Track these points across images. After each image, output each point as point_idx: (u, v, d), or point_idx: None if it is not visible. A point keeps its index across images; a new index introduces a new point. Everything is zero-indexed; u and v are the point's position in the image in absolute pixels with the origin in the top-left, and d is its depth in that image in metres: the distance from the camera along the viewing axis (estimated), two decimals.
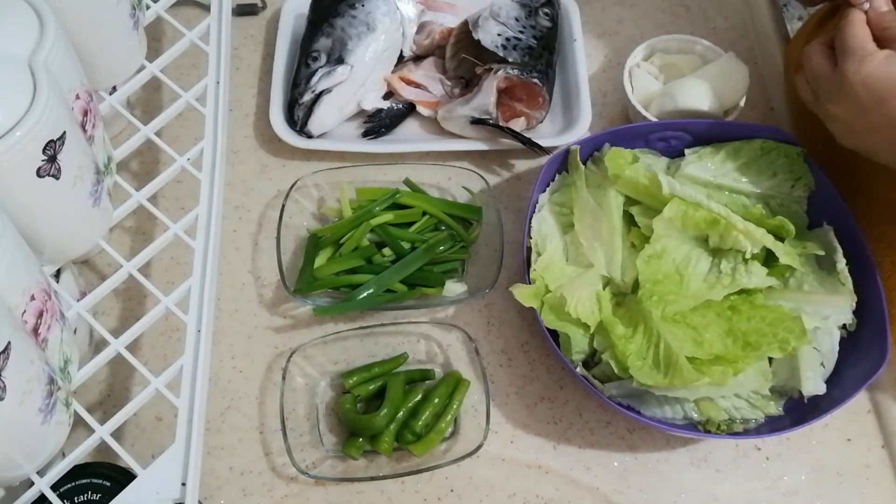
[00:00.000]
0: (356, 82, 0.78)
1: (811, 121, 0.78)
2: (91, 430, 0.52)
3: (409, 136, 0.80)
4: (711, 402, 0.62)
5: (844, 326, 0.65)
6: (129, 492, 0.50)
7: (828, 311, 0.64)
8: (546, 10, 0.81)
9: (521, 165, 0.79)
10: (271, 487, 0.63)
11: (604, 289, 0.66)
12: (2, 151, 0.43)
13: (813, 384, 0.62)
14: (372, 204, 0.71)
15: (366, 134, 0.79)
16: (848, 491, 0.65)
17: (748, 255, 0.64)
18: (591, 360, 0.65)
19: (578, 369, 0.63)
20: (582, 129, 0.78)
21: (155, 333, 0.69)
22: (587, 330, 0.63)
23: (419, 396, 0.65)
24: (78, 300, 0.57)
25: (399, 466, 0.63)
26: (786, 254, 0.64)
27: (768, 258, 0.65)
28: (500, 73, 0.75)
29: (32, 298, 0.46)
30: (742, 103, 0.76)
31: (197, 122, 0.64)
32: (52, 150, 0.46)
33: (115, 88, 0.65)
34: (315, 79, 0.76)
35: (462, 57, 0.79)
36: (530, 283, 0.65)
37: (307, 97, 0.76)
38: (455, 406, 0.64)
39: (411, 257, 0.69)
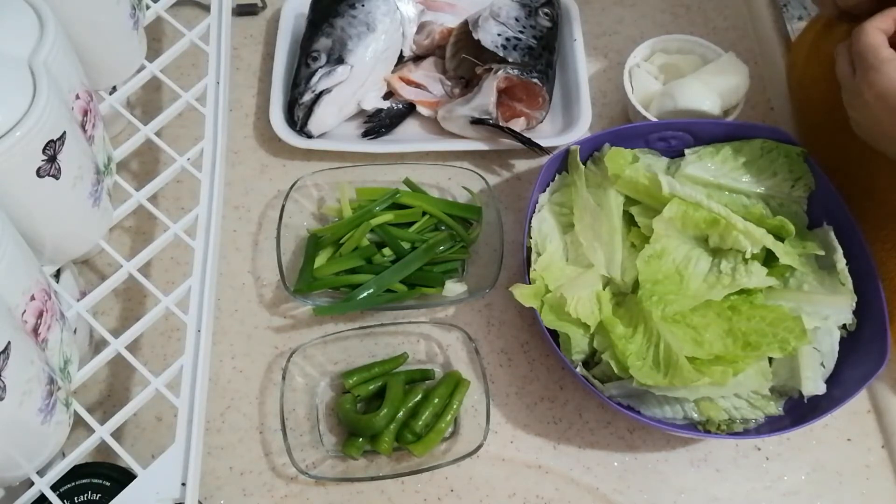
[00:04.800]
0: (356, 82, 0.78)
1: (815, 121, 0.78)
2: (91, 430, 0.52)
3: (409, 136, 0.80)
4: (711, 402, 0.62)
5: (844, 326, 0.65)
6: (129, 492, 0.50)
7: (828, 311, 0.64)
8: (546, 10, 0.81)
9: (521, 165, 0.79)
10: (271, 487, 0.63)
11: (604, 289, 0.66)
12: (2, 151, 0.43)
13: (813, 384, 0.62)
14: (372, 204, 0.71)
15: (366, 134, 0.79)
16: (848, 491, 0.65)
17: (748, 255, 0.64)
18: (591, 360, 0.65)
19: (578, 369, 0.63)
20: (582, 129, 0.78)
21: (155, 333, 0.69)
22: (587, 330, 0.63)
23: (419, 396, 0.65)
24: (78, 300, 0.57)
25: (399, 466, 0.63)
26: (786, 254, 0.64)
27: (768, 258, 0.65)
28: (500, 73, 0.75)
29: (32, 298, 0.46)
30: (742, 103, 0.76)
31: (197, 122, 0.64)
32: (52, 150, 0.47)
33: (115, 88, 0.65)
34: (315, 79, 0.76)
35: (462, 57, 0.79)
36: (530, 283, 0.65)
37: (307, 97, 0.76)
38: (455, 406, 0.64)
39: (411, 257, 0.69)
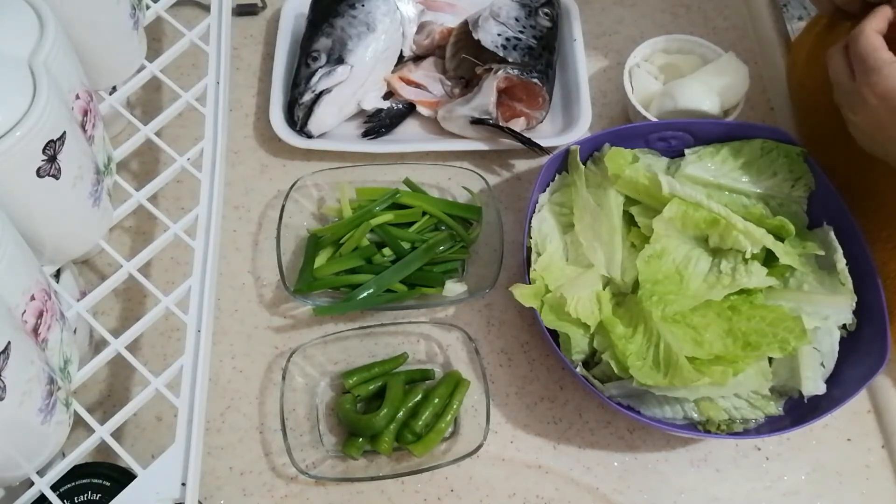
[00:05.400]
0: (356, 82, 0.78)
1: (816, 122, 0.78)
2: (91, 430, 0.52)
3: (409, 136, 0.80)
4: (711, 402, 0.62)
5: (844, 326, 0.65)
6: (129, 492, 0.50)
7: (828, 311, 0.64)
8: (546, 10, 0.81)
9: (521, 165, 0.79)
10: (271, 487, 0.63)
11: (604, 289, 0.66)
12: (2, 151, 0.43)
13: (813, 384, 0.62)
14: (372, 204, 0.71)
15: (366, 134, 0.79)
16: (848, 491, 0.65)
17: (748, 255, 0.64)
18: (591, 360, 0.65)
19: (578, 369, 0.63)
20: (582, 129, 0.78)
21: (155, 333, 0.69)
22: (587, 330, 0.63)
23: (419, 396, 0.65)
24: (78, 300, 0.57)
25: (399, 466, 0.63)
26: (786, 254, 0.64)
27: (768, 258, 0.65)
28: (500, 73, 0.75)
29: (32, 298, 0.46)
30: (742, 103, 0.76)
31: (197, 122, 0.64)
32: (52, 150, 0.47)
33: (115, 88, 0.65)
34: (315, 79, 0.76)
35: (462, 57, 0.79)
36: (530, 283, 0.65)
37: (307, 97, 0.76)
38: (455, 406, 0.64)
39: (411, 257, 0.69)
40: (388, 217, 0.71)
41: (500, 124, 0.76)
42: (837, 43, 0.59)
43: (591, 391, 0.62)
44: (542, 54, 0.79)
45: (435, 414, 0.64)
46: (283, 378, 0.64)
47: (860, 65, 0.55)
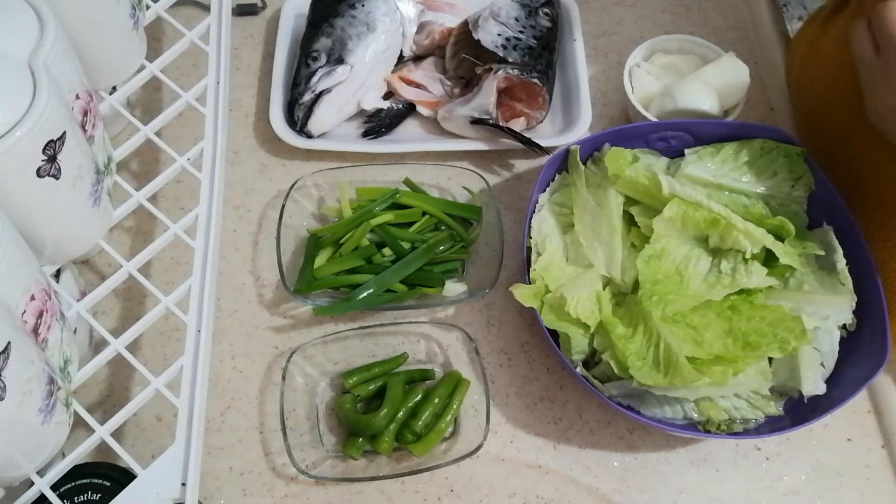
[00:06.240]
0: (356, 82, 0.78)
1: (815, 121, 0.78)
2: (91, 430, 0.52)
3: (409, 136, 0.80)
4: (711, 402, 0.62)
5: (844, 326, 0.65)
6: (129, 492, 0.50)
7: (828, 311, 0.64)
8: (546, 10, 0.81)
9: (521, 165, 0.79)
10: (271, 487, 0.63)
11: (604, 289, 0.66)
12: (2, 151, 0.43)
13: (813, 384, 0.62)
14: (372, 204, 0.71)
15: (366, 134, 0.79)
16: (848, 491, 0.65)
17: (748, 255, 0.64)
18: (591, 360, 0.65)
19: (578, 369, 0.63)
20: (582, 129, 0.78)
21: (155, 333, 0.69)
22: (587, 330, 0.63)
23: (419, 396, 0.65)
24: (78, 300, 0.57)
25: (399, 466, 0.63)
26: (786, 254, 0.64)
27: (768, 258, 0.65)
28: (500, 73, 0.75)
29: (32, 298, 0.46)
30: (742, 103, 0.76)
31: (197, 122, 0.64)
32: (52, 150, 0.47)
33: (115, 88, 0.65)
34: (315, 79, 0.76)
35: (462, 57, 0.79)
36: (530, 283, 0.65)
37: (307, 97, 0.76)
38: (455, 406, 0.64)
39: (411, 257, 0.69)
40: (388, 217, 0.71)
41: (500, 124, 0.76)
42: (858, 18, 0.56)
43: (591, 391, 0.62)
44: (542, 54, 0.79)
45: (435, 414, 0.64)
46: (283, 378, 0.64)
47: (887, 41, 0.52)
